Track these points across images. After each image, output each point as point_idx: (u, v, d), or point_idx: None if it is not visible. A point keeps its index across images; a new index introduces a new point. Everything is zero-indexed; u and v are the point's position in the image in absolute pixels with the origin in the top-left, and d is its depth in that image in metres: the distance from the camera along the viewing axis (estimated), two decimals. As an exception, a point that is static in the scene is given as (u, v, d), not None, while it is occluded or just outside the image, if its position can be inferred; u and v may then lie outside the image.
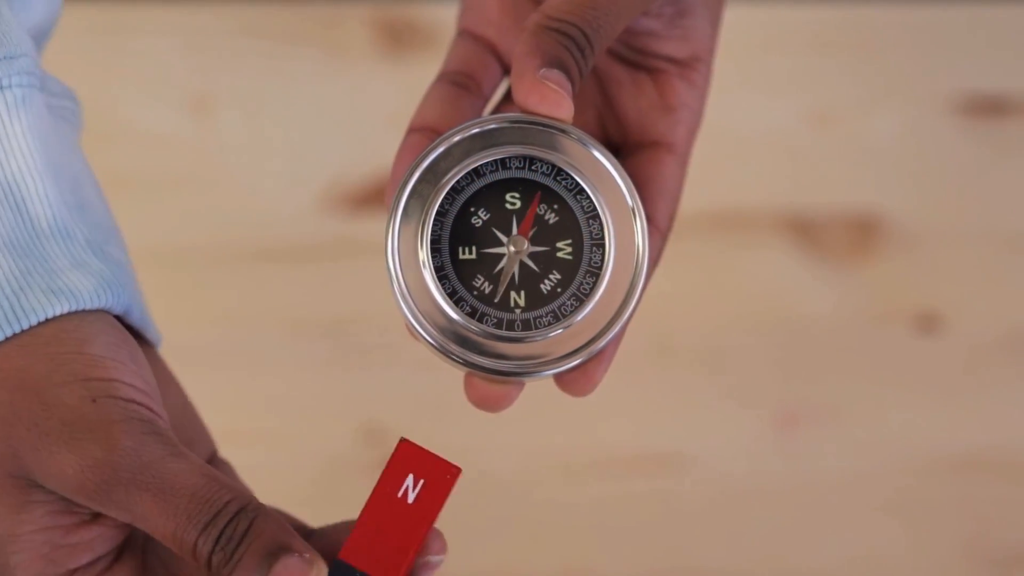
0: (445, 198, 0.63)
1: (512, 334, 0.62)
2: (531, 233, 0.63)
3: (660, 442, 1.15)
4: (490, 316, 0.62)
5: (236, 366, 1.15)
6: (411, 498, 0.59)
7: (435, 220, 0.63)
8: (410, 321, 0.62)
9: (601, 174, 0.63)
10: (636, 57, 0.68)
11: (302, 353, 1.16)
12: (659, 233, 0.67)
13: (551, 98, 0.61)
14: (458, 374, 0.65)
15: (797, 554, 1.14)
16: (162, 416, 0.61)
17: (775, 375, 1.17)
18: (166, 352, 0.68)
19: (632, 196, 0.63)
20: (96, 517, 0.60)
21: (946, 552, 1.13)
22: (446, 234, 0.63)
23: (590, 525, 1.14)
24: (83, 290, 0.61)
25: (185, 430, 0.65)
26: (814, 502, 1.14)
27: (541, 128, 0.63)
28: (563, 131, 0.63)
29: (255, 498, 0.59)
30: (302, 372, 1.16)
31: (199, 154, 1.21)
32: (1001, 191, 1.22)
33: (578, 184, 0.63)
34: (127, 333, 0.62)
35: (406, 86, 1.21)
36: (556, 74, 0.61)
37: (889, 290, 1.19)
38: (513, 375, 0.63)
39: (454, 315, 0.62)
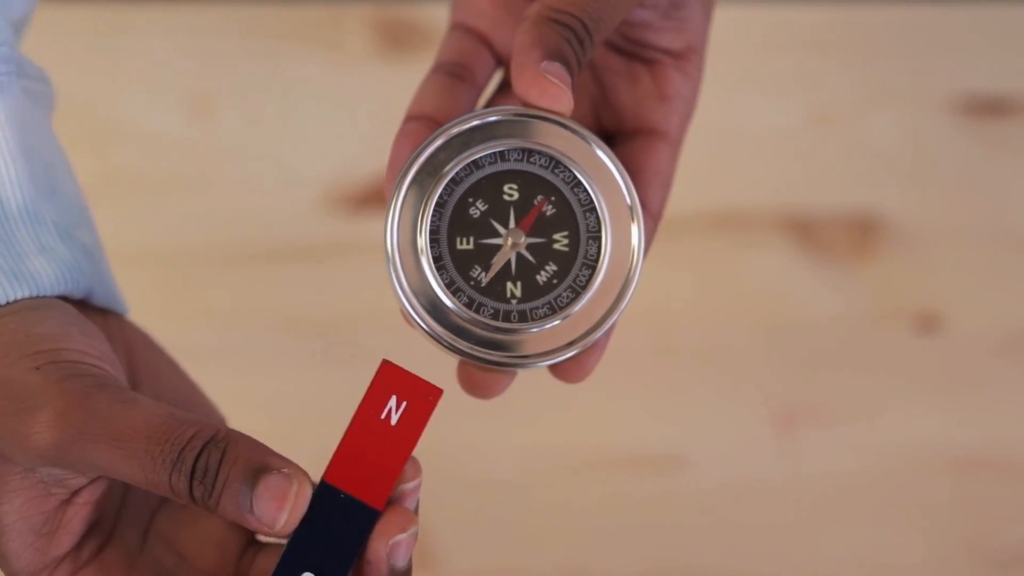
0: (444, 189, 0.63)
1: (508, 325, 0.62)
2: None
3: (660, 442, 1.15)
4: (487, 307, 0.63)
5: (235, 366, 1.14)
6: (394, 420, 0.59)
7: (434, 210, 0.63)
8: (407, 308, 0.63)
9: (599, 168, 0.63)
10: (632, 48, 0.69)
11: (301, 353, 1.16)
12: (652, 218, 0.67)
13: (551, 92, 0.62)
14: (455, 371, 0.66)
15: (797, 554, 1.13)
16: (116, 375, 0.60)
17: (775, 375, 1.17)
18: (169, 351, 0.69)
19: (630, 193, 0.63)
20: (72, 496, 0.60)
21: (946, 552, 1.13)
22: (444, 224, 0.63)
23: (590, 525, 1.13)
24: (44, 276, 0.62)
25: (191, 411, 0.65)
26: (814, 502, 1.14)
27: (540, 121, 0.63)
28: (562, 124, 0.63)
29: (224, 426, 0.58)
30: (301, 372, 1.16)
31: (199, 154, 1.21)
32: (1001, 191, 1.22)
33: (575, 177, 0.63)
34: (79, 314, 0.62)
35: (406, 86, 1.21)
36: (557, 67, 0.62)
37: (889, 290, 1.19)
38: (507, 366, 0.63)
39: (451, 304, 0.62)
